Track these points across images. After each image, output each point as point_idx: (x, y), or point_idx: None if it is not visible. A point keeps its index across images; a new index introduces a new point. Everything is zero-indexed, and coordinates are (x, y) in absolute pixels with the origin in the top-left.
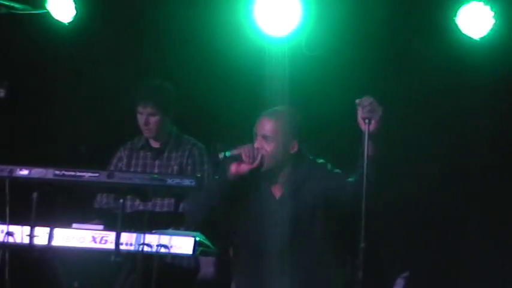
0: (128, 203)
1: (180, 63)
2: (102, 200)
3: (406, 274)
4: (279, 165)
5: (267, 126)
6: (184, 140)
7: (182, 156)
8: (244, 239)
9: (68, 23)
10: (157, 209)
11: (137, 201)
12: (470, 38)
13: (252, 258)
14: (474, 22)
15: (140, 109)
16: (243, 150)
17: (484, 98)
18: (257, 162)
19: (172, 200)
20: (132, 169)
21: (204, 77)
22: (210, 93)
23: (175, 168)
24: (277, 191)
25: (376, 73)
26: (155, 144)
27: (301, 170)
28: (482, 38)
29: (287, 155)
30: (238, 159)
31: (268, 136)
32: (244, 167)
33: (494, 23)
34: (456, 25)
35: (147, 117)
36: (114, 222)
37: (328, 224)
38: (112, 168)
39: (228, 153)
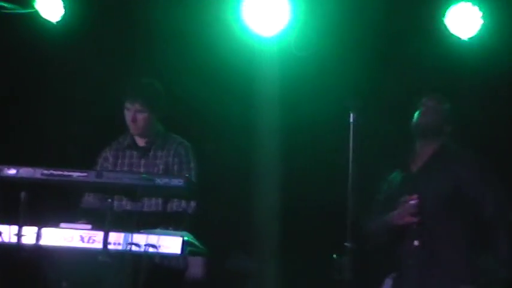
0: (116, 202)
1: (170, 62)
2: (88, 199)
3: (394, 274)
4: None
5: (434, 101)
6: (171, 138)
7: (168, 155)
8: None
9: (57, 22)
10: (145, 209)
11: (124, 201)
12: (458, 38)
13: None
14: (463, 22)
15: (128, 105)
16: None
17: (473, 98)
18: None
19: (160, 200)
20: (118, 168)
21: (193, 77)
22: (199, 92)
23: (162, 167)
24: None
25: (365, 73)
26: (141, 143)
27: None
28: (470, 38)
29: (442, 132)
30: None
31: (433, 108)
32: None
33: (483, 24)
34: (445, 25)
35: (134, 114)
36: (101, 222)
37: None
38: (98, 168)
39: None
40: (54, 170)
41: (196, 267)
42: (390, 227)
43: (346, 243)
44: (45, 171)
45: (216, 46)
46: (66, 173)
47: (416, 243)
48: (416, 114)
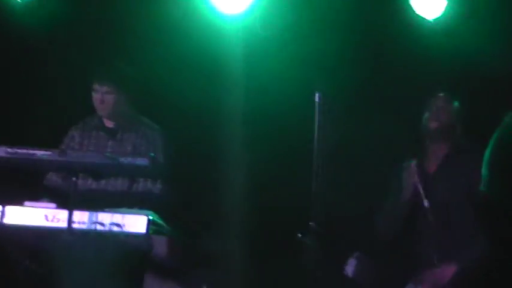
0: (81, 181)
1: (133, 42)
2: (52, 178)
3: (358, 253)
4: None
5: (444, 99)
6: (138, 120)
7: (136, 136)
8: None
9: (22, 0)
10: (111, 188)
11: (90, 180)
12: (423, 18)
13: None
14: (428, 3)
15: (96, 87)
16: (436, 110)
17: (438, 79)
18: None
19: (126, 180)
20: (85, 149)
21: (157, 56)
22: (163, 72)
23: (129, 149)
24: None
25: (331, 53)
26: (109, 124)
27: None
28: (436, 19)
29: (453, 132)
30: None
31: (444, 108)
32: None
33: (448, 4)
34: (410, 6)
35: (102, 96)
36: (65, 201)
37: None
38: (64, 146)
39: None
40: (18, 149)
41: (161, 247)
42: (401, 209)
43: (310, 223)
44: (10, 150)
45: (181, 25)
46: (30, 151)
47: (426, 203)
48: (426, 117)
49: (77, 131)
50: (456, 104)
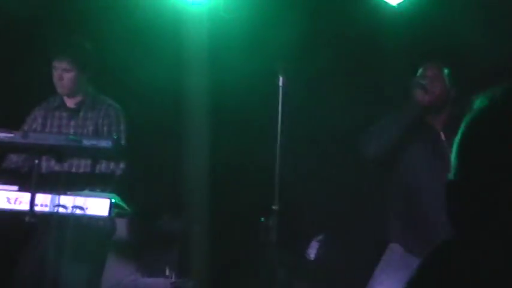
0: (43, 163)
1: (96, 24)
2: (12, 158)
3: (321, 236)
4: (444, 106)
5: (435, 69)
6: (100, 99)
7: (98, 116)
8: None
9: None
10: (73, 170)
11: (53, 162)
12: (387, 3)
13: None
14: None
15: (56, 64)
16: (429, 82)
17: (401, 65)
18: (436, 95)
19: (88, 161)
20: (47, 129)
21: (120, 39)
22: (126, 55)
23: (91, 128)
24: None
25: (294, 36)
26: (71, 104)
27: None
28: (399, 4)
29: (448, 100)
30: (423, 87)
31: (439, 78)
32: (428, 98)
33: None
34: None
35: (61, 73)
36: (24, 182)
37: None
38: (26, 128)
39: (416, 80)
40: None
41: (122, 229)
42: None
43: (273, 206)
44: None
45: (143, 7)
46: None
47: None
48: (419, 89)
49: (40, 111)
50: (446, 70)
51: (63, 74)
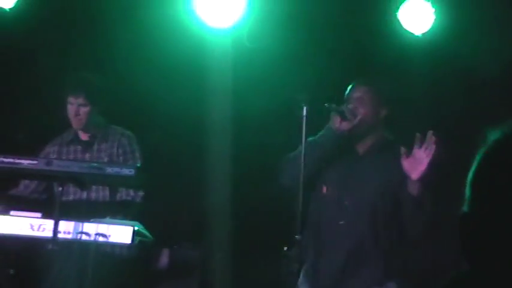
0: (64, 190)
1: (122, 54)
2: (25, 183)
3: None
4: (369, 129)
5: (361, 90)
6: (112, 130)
7: (112, 146)
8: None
9: (9, 9)
10: (93, 197)
11: (73, 189)
12: (411, 33)
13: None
14: (416, 18)
15: (71, 99)
16: (347, 108)
17: (424, 94)
18: (357, 121)
19: (107, 189)
20: None
21: (145, 69)
22: (151, 85)
23: (106, 159)
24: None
25: (318, 67)
26: (84, 137)
27: (387, 138)
28: (423, 34)
29: (377, 120)
30: (341, 114)
31: (363, 100)
32: (346, 125)
33: (435, 20)
34: (398, 21)
35: (77, 108)
36: (47, 211)
37: None
38: None
39: (332, 105)
40: (4, 157)
41: (143, 257)
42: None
43: (296, 236)
44: None
45: (168, 37)
46: (16, 160)
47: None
48: (336, 115)
49: (53, 146)
50: (378, 86)
51: (80, 109)
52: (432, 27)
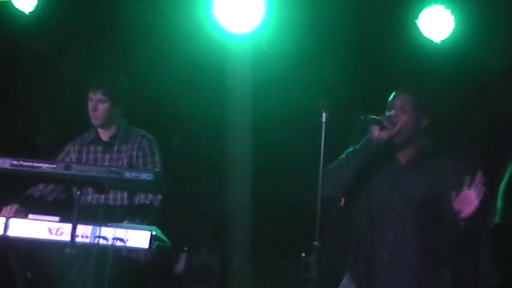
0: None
1: (142, 59)
2: (38, 186)
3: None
4: (410, 138)
5: (404, 98)
6: (134, 132)
7: (132, 148)
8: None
9: (29, 13)
10: (111, 202)
11: (91, 193)
12: (431, 41)
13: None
14: (435, 25)
15: (90, 95)
16: (385, 117)
17: (443, 101)
18: (396, 130)
19: (125, 193)
20: (83, 163)
21: (165, 73)
22: (171, 89)
23: (126, 161)
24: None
25: (337, 73)
26: (105, 138)
27: (430, 146)
28: (443, 41)
29: (418, 129)
30: (379, 123)
31: (405, 108)
32: (385, 134)
33: (455, 27)
34: (417, 28)
35: (96, 103)
36: (66, 214)
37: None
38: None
39: (369, 117)
40: (23, 161)
41: (161, 262)
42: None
43: (314, 242)
44: (15, 162)
45: (188, 43)
46: (35, 164)
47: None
48: (374, 124)
49: (74, 146)
50: (419, 97)
51: (98, 105)
52: (451, 35)
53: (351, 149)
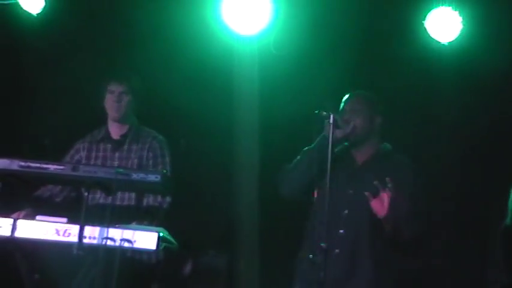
0: (90, 196)
1: (149, 60)
2: (47, 187)
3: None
4: (366, 137)
5: (353, 101)
6: (145, 132)
7: (143, 148)
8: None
9: (37, 14)
10: (118, 203)
11: (98, 194)
12: (438, 42)
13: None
14: (443, 27)
15: (113, 87)
16: (340, 119)
17: (450, 103)
18: (350, 128)
19: (133, 194)
20: (92, 161)
21: (173, 75)
22: (178, 90)
23: (136, 161)
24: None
25: (344, 74)
26: (115, 136)
27: (384, 149)
28: (450, 42)
29: (373, 128)
30: (334, 122)
31: (356, 108)
32: (340, 132)
33: (463, 29)
34: (425, 29)
35: (119, 95)
36: (73, 216)
37: None
38: (68, 158)
39: (322, 112)
40: (31, 162)
41: (168, 263)
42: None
43: (321, 244)
44: (22, 163)
45: (196, 44)
46: (43, 165)
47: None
48: (329, 123)
49: (84, 143)
50: (369, 100)
51: (122, 96)
52: (459, 36)
53: (306, 148)
